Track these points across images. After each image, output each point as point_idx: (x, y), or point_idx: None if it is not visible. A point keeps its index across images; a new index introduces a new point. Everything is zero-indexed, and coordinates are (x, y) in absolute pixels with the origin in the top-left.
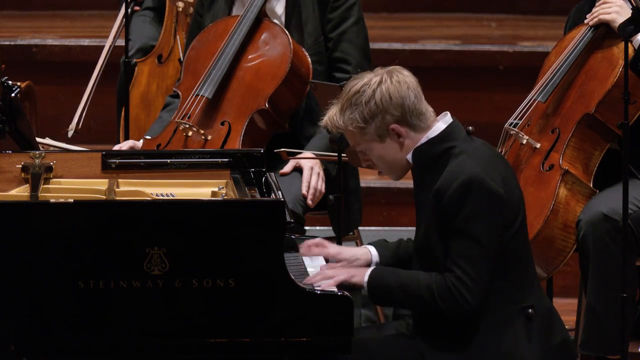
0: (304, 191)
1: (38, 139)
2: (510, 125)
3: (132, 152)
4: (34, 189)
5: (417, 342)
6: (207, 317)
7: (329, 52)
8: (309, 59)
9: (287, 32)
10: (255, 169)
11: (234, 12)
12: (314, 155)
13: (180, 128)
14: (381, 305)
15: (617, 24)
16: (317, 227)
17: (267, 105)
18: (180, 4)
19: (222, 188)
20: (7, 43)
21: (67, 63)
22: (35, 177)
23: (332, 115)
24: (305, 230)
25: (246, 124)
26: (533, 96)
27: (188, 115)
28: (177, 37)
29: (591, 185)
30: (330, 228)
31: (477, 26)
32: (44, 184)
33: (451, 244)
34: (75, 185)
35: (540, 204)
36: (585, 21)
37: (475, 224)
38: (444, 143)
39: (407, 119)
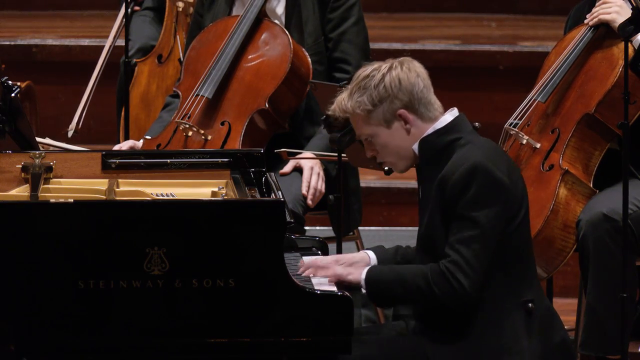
0: (304, 191)
1: (38, 139)
2: (510, 125)
3: (132, 152)
4: (34, 189)
5: (417, 337)
6: (207, 317)
7: (329, 52)
8: (309, 59)
9: (287, 32)
10: (255, 169)
11: (234, 12)
12: (314, 155)
13: (180, 128)
14: (380, 304)
15: (617, 24)
16: (317, 227)
17: (267, 105)
18: (180, 4)
19: (222, 188)
20: (7, 43)
21: (67, 63)
22: (35, 177)
23: (340, 99)
24: (305, 230)
25: (246, 124)
26: (533, 96)
27: (188, 115)
28: (177, 37)
29: (591, 185)
30: (330, 228)
31: (477, 26)
32: (44, 184)
33: (451, 229)
34: (75, 185)
35: (540, 204)
36: (585, 21)
37: (477, 209)
38: (450, 134)
39: (415, 106)
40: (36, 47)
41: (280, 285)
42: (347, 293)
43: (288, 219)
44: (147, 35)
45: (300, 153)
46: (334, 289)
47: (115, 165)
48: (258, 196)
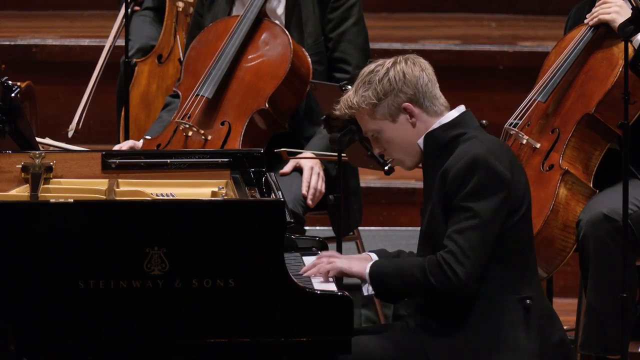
0: (304, 191)
1: (38, 139)
2: (510, 125)
3: (132, 152)
4: (34, 189)
5: (416, 333)
6: (207, 317)
7: (329, 52)
8: (309, 59)
9: (287, 32)
10: (255, 169)
11: (234, 12)
12: (314, 155)
13: (180, 128)
14: (383, 298)
15: (617, 24)
16: (317, 227)
17: (267, 105)
18: (180, 4)
19: (222, 188)
20: (7, 43)
21: (67, 63)
22: (35, 177)
23: (346, 97)
24: (305, 230)
25: (246, 124)
26: (533, 96)
27: (188, 115)
28: (177, 37)
29: (591, 185)
30: (330, 228)
31: (477, 26)
32: (44, 184)
33: (450, 221)
34: (75, 185)
35: (540, 204)
36: (585, 21)
37: (476, 200)
38: (456, 129)
39: (420, 100)
40: (36, 47)
41: (280, 285)
42: (347, 293)
43: (288, 219)
44: (147, 35)
45: (300, 153)
46: (334, 289)
47: (115, 165)
48: (258, 196)
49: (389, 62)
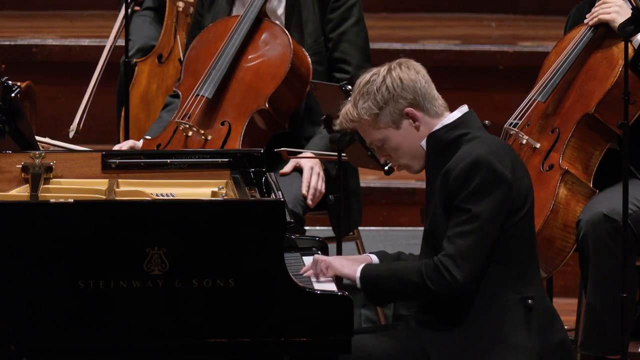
0: (304, 191)
1: (38, 139)
2: (510, 125)
3: (132, 152)
4: (34, 189)
5: (417, 332)
6: (207, 317)
7: (329, 53)
8: (309, 59)
9: (287, 32)
10: (255, 169)
11: (234, 12)
12: (314, 155)
13: (180, 128)
14: (374, 301)
15: (617, 24)
16: (317, 227)
17: (267, 105)
18: (181, 4)
19: (222, 188)
20: (7, 43)
21: (67, 63)
22: (35, 177)
23: (345, 111)
24: (305, 230)
25: (246, 124)
26: (533, 96)
27: (188, 115)
28: (177, 37)
29: (591, 185)
30: (330, 228)
31: (477, 26)
32: (44, 184)
33: (450, 222)
34: (75, 185)
35: (540, 204)
36: (585, 21)
37: (476, 202)
38: (458, 130)
39: (421, 103)
40: (36, 47)
41: (280, 285)
42: (347, 293)
43: (288, 219)
44: (147, 35)
45: (300, 152)
46: (334, 289)
47: (115, 165)
48: (258, 196)
49: (383, 70)
